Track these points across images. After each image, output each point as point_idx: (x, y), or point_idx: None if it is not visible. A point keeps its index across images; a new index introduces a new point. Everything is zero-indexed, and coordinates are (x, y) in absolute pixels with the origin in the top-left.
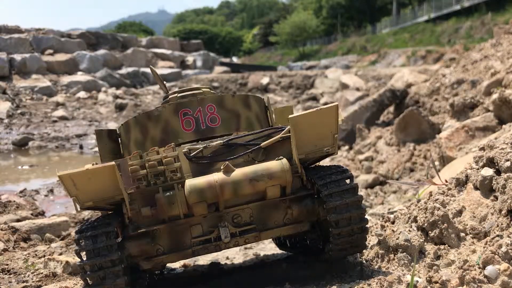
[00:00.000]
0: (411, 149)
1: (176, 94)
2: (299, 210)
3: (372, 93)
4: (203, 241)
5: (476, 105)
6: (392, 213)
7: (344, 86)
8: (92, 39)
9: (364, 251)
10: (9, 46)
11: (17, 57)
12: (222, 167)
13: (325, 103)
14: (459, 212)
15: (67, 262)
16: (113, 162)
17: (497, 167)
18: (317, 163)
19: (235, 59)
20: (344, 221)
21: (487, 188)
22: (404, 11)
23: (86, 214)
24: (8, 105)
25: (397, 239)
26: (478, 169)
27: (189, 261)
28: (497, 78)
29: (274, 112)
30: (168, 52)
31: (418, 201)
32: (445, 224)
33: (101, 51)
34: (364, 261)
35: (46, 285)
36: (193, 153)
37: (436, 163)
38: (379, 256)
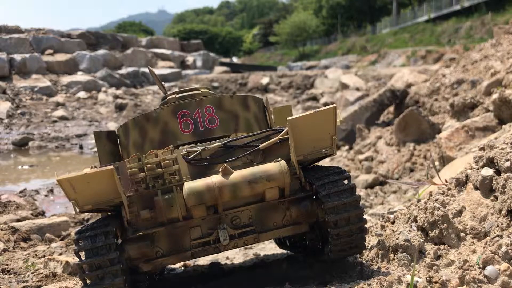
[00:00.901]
0: (411, 149)
1: (174, 95)
2: (298, 211)
3: (372, 93)
4: (202, 243)
5: (476, 105)
6: (392, 213)
7: (344, 86)
8: (92, 39)
9: (364, 251)
10: (9, 46)
11: (17, 57)
12: (220, 170)
13: (325, 103)
14: (459, 212)
15: (67, 262)
16: (111, 166)
17: (497, 167)
18: (316, 163)
19: (235, 59)
20: (343, 221)
21: (487, 188)
22: (404, 11)
23: (86, 214)
24: (8, 105)
25: (397, 239)
26: (478, 169)
27: (189, 261)
28: (497, 78)
29: (273, 112)
30: (168, 52)
31: (418, 201)
32: (445, 224)
33: (101, 51)
34: (364, 261)
35: (46, 285)
36: (192, 156)
37: (436, 163)
38: (379, 256)
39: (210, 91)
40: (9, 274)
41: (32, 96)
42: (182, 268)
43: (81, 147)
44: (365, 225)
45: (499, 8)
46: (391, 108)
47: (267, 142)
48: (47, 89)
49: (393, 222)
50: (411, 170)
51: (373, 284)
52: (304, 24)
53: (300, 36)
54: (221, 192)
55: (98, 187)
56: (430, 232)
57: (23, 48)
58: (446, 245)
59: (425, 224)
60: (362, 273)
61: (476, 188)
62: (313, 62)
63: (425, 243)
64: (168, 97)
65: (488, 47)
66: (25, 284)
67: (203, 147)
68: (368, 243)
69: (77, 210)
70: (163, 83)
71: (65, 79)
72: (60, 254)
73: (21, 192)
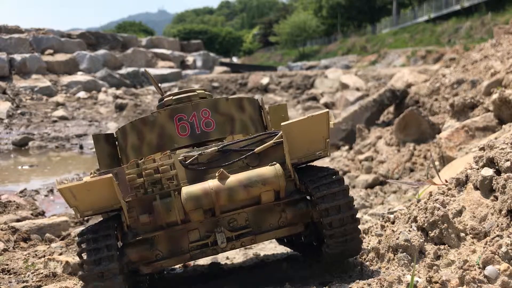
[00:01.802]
0: (411, 149)
1: (171, 97)
2: (293, 213)
3: (372, 93)
4: (201, 245)
5: (476, 105)
6: (392, 213)
7: (344, 86)
8: (92, 39)
9: (364, 251)
10: (9, 46)
11: (17, 57)
12: (217, 174)
13: (325, 103)
14: (459, 212)
15: (67, 262)
16: (110, 175)
17: (497, 167)
18: (311, 163)
19: (235, 59)
20: (337, 222)
21: (487, 188)
22: (404, 11)
23: None
24: (8, 105)
25: (397, 239)
26: (478, 169)
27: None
28: (497, 78)
29: (269, 111)
30: (168, 52)
31: (418, 201)
32: (445, 224)
33: (101, 51)
34: (364, 261)
35: (46, 285)
36: (189, 161)
37: (436, 163)
38: (379, 256)
39: (206, 92)
40: (9, 274)
41: (32, 96)
42: (182, 268)
43: (81, 147)
44: (359, 226)
45: (499, 8)
46: (391, 108)
47: (262, 146)
48: (47, 89)
49: (393, 222)
50: (411, 170)
51: (373, 284)
52: (304, 24)
53: (300, 36)
54: (217, 196)
55: (98, 195)
56: (430, 232)
57: (23, 48)
58: (446, 245)
59: (425, 224)
60: (362, 273)
61: (476, 188)
62: (313, 62)
63: (425, 243)
64: (165, 99)
65: (488, 47)
66: (25, 284)
67: (200, 152)
68: (368, 243)
69: (78, 216)
70: (159, 84)
71: (65, 79)
72: (60, 254)
73: (21, 192)
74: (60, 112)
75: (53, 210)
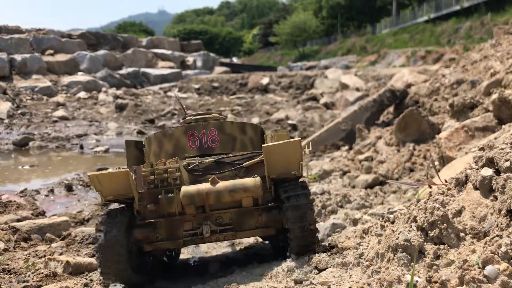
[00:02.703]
0: (411, 149)
1: (191, 116)
2: (268, 217)
3: (372, 93)
4: (191, 234)
5: (475, 105)
6: (391, 213)
7: (344, 86)
8: (92, 39)
9: (364, 250)
10: (10, 46)
11: (18, 57)
12: (209, 179)
13: (325, 103)
14: (459, 212)
15: (67, 262)
16: (127, 169)
17: (496, 167)
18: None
19: (235, 60)
20: (300, 232)
21: (486, 188)
22: (403, 12)
23: (87, 214)
24: (9, 105)
25: (396, 239)
26: (477, 169)
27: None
28: (496, 78)
29: (271, 136)
30: (168, 52)
31: (418, 201)
32: (445, 224)
33: (102, 51)
34: (364, 261)
35: (46, 285)
36: (191, 166)
37: (436, 163)
38: (379, 255)
39: (220, 115)
40: (10, 274)
41: (33, 96)
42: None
43: (81, 147)
44: (316, 233)
45: (498, 9)
46: (391, 108)
47: (249, 162)
48: (47, 89)
49: (392, 222)
50: (411, 170)
51: (373, 284)
52: (304, 24)
53: (300, 36)
54: (207, 196)
55: (117, 183)
56: (429, 232)
57: (24, 48)
58: (446, 245)
59: (425, 224)
60: (362, 273)
61: (475, 188)
62: (313, 63)
63: (425, 243)
64: (187, 117)
65: (487, 47)
66: (25, 284)
67: (200, 161)
68: (368, 243)
69: (102, 199)
70: (184, 106)
71: (66, 79)
72: (61, 254)
73: (21, 192)
74: (60, 112)
75: (54, 210)
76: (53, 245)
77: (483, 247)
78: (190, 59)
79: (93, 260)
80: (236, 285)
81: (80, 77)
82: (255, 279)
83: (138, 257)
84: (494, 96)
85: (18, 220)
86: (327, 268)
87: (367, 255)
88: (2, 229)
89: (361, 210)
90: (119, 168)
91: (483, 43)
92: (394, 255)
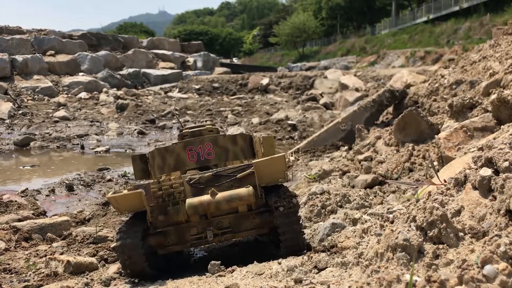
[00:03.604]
0: (410, 149)
1: (188, 129)
2: (260, 219)
3: (371, 93)
4: (197, 238)
5: (474, 106)
6: (391, 212)
7: (344, 87)
8: (93, 40)
9: (363, 250)
10: (11, 47)
11: (19, 57)
12: (209, 192)
13: (325, 104)
14: (458, 212)
15: (68, 261)
16: (140, 190)
17: (495, 167)
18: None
19: (235, 60)
20: (287, 230)
21: (485, 188)
22: (403, 12)
23: (87, 214)
24: (10, 105)
25: (396, 238)
26: (476, 169)
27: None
28: (495, 79)
29: (260, 141)
30: (168, 53)
31: (417, 201)
32: (444, 224)
33: (102, 52)
34: (363, 261)
35: (47, 284)
36: (192, 181)
37: (435, 163)
38: (378, 255)
39: (213, 127)
40: (11, 274)
41: (34, 97)
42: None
43: (82, 147)
44: (303, 235)
45: (497, 9)
46: (390, 109)
47: (242, 174)
48: (48, 90)
49: (392, 222)
50: (410, 170)
51: (372, 283)
52: (303, 25)
53: (300, 37)
54: (208, 206)
55: (131, 201)
56: (429, 231)
57: (25, 49)
58: (445, 244)
59: (424, 224)
60: (361, 272)
61: (474, 188)
62: (313, 63)
63: (424, 243)
64: (183, 130)
65: (486, 48)
66: (26, 283)
67: (200, 175)
68: (367, 243)
69: (119, 213)
70: (181, 120)
71: (67, 80)
72: (62, 253)
73: (22, 192)
74: (61, 112)
75: (54, 210)
76: (54, 244)
77: (482, 247)
78: (190, 59)
79: (94, 260)
80: (236, 285)
81: (81, 77)
82: (255, 278)
83: (152, 257)
84: (493, 97)
85: (19, 220)
86: (327, 267)
87: (367, 255)
88: (3, 229)
89: (360, 210)
90: (130, 186)
91: (482, 44)
92: (393, 255)
